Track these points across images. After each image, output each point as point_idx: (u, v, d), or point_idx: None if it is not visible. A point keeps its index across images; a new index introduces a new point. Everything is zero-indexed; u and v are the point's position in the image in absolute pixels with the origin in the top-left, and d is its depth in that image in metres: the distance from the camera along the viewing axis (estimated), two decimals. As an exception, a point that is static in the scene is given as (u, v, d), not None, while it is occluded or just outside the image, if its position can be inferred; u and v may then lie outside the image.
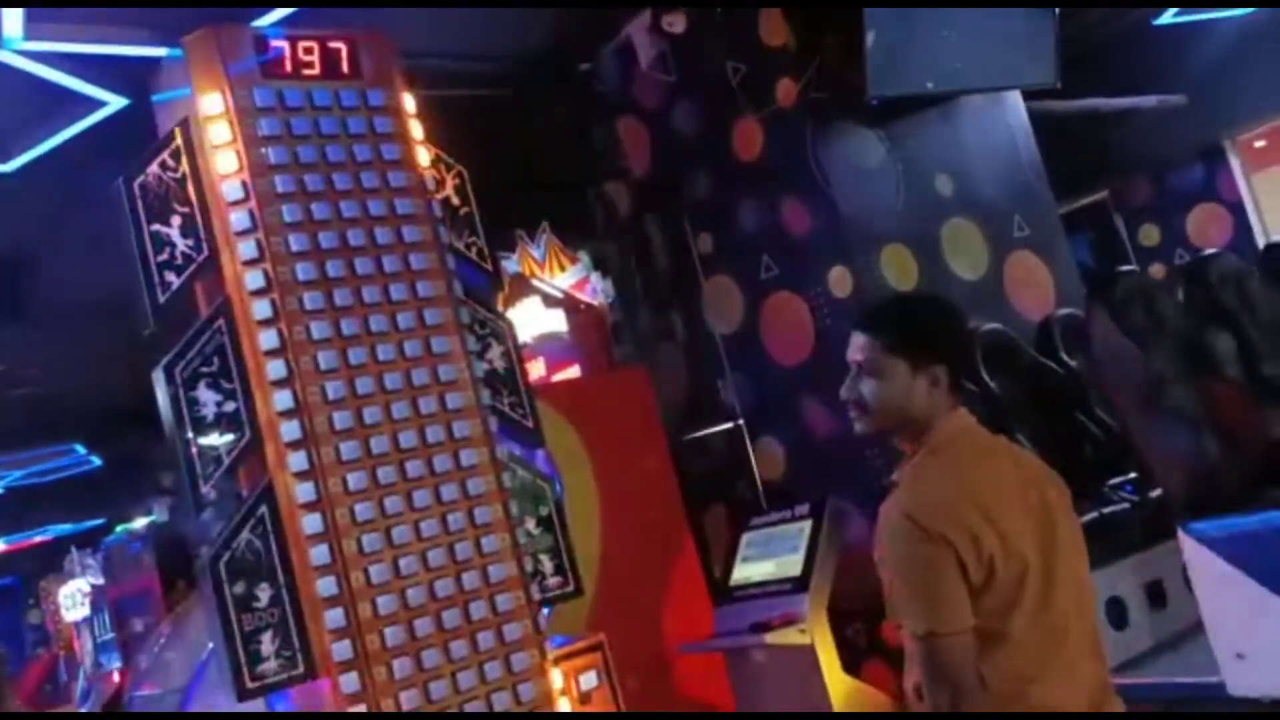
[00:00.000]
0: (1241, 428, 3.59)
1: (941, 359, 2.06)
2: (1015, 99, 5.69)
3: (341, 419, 3.37)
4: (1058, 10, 5.19)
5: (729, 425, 5.48)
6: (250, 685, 3.03)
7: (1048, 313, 5.22)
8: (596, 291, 5.70)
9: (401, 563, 3.34)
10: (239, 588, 3.12)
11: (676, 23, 5.22)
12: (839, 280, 4.86)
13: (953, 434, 2.08)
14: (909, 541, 1.95)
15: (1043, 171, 5.68)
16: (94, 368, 7.26)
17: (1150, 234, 7.82)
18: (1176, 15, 6.60)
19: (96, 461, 10.21)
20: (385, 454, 3.42)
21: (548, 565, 3.78)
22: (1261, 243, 6.87)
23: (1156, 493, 3.68)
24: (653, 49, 5.46)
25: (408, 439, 3.47)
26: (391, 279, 3.61)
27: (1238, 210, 7.45)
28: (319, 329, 3.41)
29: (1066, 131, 6.12)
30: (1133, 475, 4.30)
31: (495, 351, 3.88)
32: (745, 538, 4.93)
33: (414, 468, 3.45)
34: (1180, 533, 3.50)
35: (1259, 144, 7.50)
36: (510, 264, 5.62)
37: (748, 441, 5.41)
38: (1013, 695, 1.93)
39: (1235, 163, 7.50)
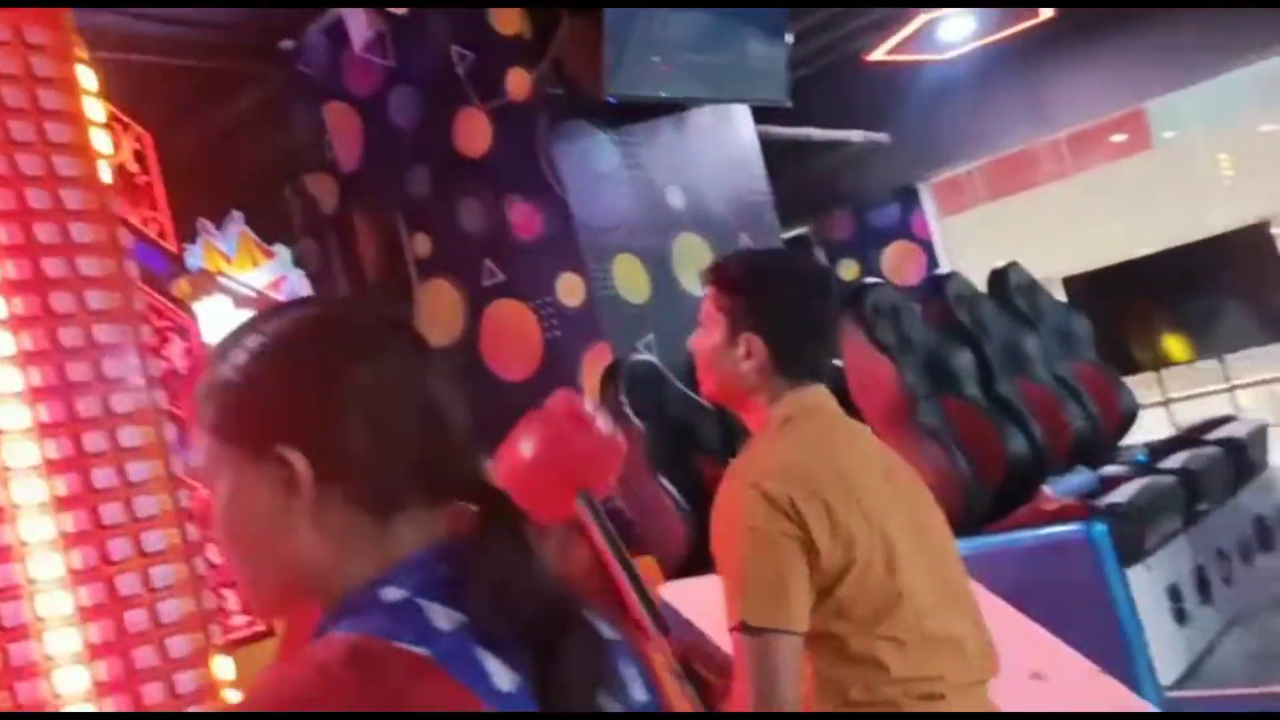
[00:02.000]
0: (982, 446, 3.54)
1: (758, 330, 1.76)
2: (746, 118, 5.61)
3: (-31, 421, 2.65)
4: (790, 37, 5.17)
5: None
6: None
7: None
8: (295, 293, 5.07)
9: (40, 600, 2.66)
10: None
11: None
12: (569, 288, 4.53)
13: (810, 406, 1.78)
14: (753, 516, 1.61)
15: (769, 193, 5.62)
16: None
17: (850, 268, 8.05)
18: (889, 53, 6.81)
19: None
20: (31, 465, 2.73)
21: (233, 602, 3.20)
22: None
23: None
24: (369, 30, 4.96)
25: (60, 447, 2.79)
26: (46, 252, 2.92)
27: (929, 249, 7.79)
28: (-57, 305, 2.68)
29: (778, 160, 6.13)
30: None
31: (176, 348, 3.27)
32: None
33: (66, 482, 2.77)
34: (928, 554, 3.39)
35: (948, 189, 7.93)
36: (193, 257, 4.89)
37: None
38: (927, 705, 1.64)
39: (928, 203, 7.86)
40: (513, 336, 4.71)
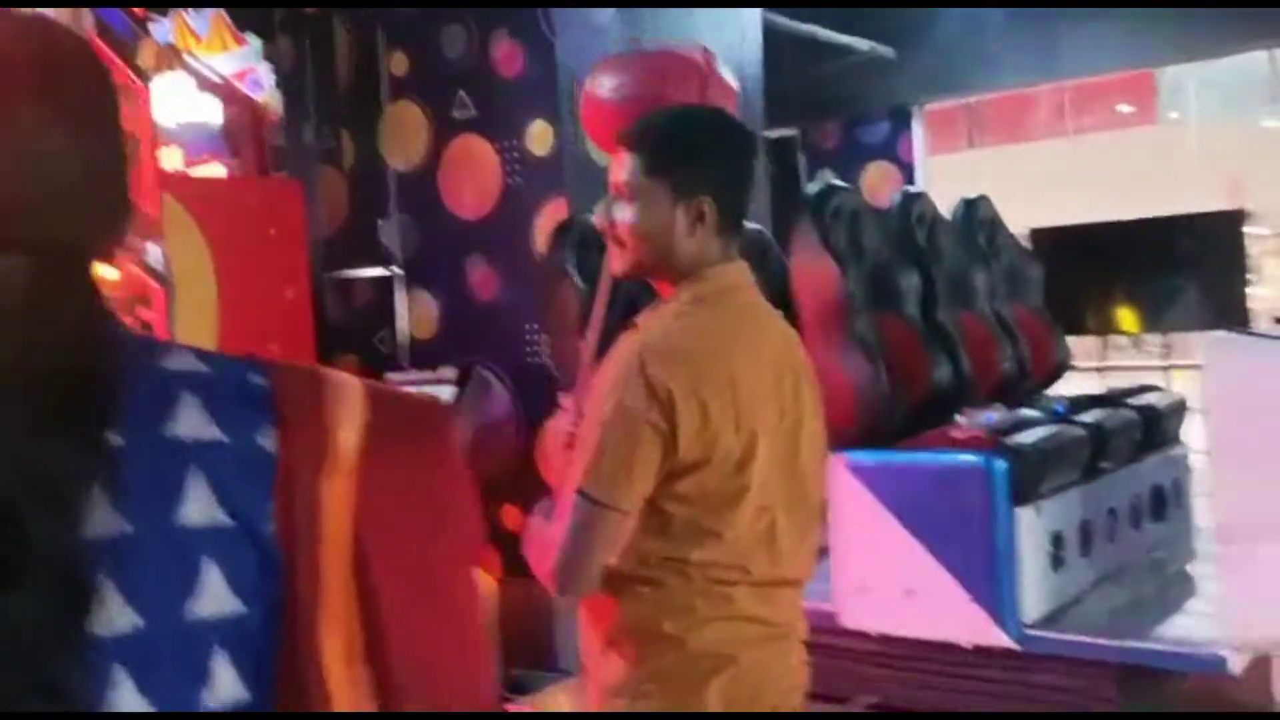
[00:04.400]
0: (910, 366, 3.57)
1: (708, 189, 1.71)
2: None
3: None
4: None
5: (383, 272, 4.95)
6: None
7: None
8: (260, 86, 4.93)
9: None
10: None
11: None
12: (539, 136, 4.45)
13: (726, 286, 1.75)
14: (626, 386, 1.61)
15: (760, 84, 5.51)
16: None
17: (826, 179, 7.97)
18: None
19: None
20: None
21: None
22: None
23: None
24: None
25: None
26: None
27: (909, 175, 7.73)
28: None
29: (778, 54, 6.00)
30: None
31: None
32: (379, 393, 4.47)
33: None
34: (833, 458, 3.43)
35: (941, 124, 7.82)
36: (162, 31, 4.73)
37: (400, 292, 4.92)
38: (718, 598, 1.65)
39: (918, 129, 7.77)
40: (473, 174, 4.63)
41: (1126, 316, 7.14)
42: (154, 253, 3.37)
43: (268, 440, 0.80)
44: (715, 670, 1.64)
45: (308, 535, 0.79)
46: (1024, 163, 16.28)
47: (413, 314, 4.89)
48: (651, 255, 1.73)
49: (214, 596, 0.76)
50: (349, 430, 0.82)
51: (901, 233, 3.87)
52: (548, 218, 4.39)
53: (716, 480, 1.63)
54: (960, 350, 3.76)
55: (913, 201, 3.98)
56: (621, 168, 1.74)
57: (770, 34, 5.73)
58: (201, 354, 0.84)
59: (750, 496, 1.65)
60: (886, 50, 7.13)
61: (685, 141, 1.74)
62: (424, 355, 4.77)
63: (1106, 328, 6.88)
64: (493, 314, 4.59)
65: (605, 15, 4.65)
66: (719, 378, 1.64)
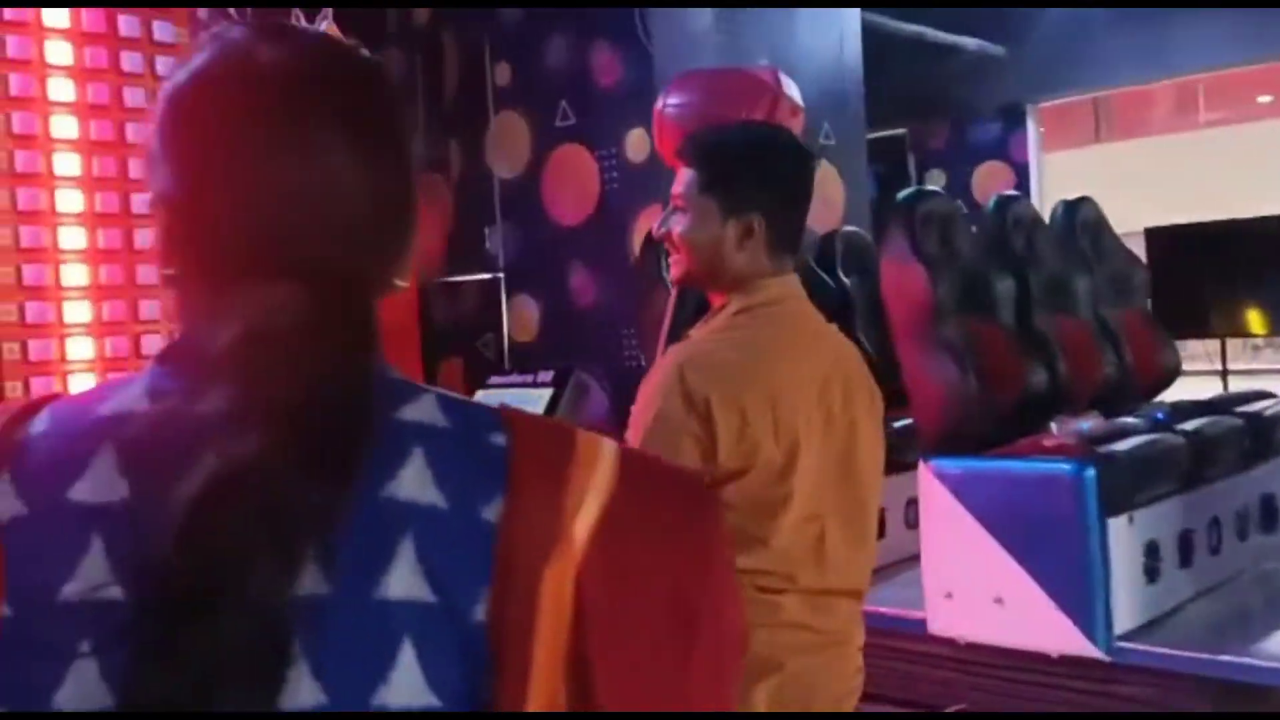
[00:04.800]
0: (1002, 372, 3.53)
1: (758, 207, 1.75)
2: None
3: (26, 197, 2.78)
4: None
5: (487, 276, 5.09)
6: None
7: (834, 227, 5.08)
8: (372, 99, 5.11)
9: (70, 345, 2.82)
10: None
11: None
12: (636, 144, 4.53)
13: (773, 298, 1.78)
14: (666, 393, 1.65)
15: (861, 85, 5.50)
16: None
17: (937, 180, 7.87)
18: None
19: None
20: (76, 249, 2.86)
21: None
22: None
23: (903, 423, 3.59)
24: None
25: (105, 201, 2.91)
26: (123, 45, 3.00)
27: (1023, 174, 7.58)
28: (16, 84, 2.79)
29: (883, 54, 5.96)
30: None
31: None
32: (479, 395, 4.60)
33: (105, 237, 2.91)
34: (921, 465, 3.42)
35: (1058, 120, 7.64)
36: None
37: (504, 297, 5.05)
38: (766, 605, 1.69)
39: (1032, 129, 7.61)
40: (573, 181, 4.74)
41: (1254, 318, 6.85)
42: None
43: (492, 511, 0.69)
44: (761, 675, 1.67)
45: (521, 631, 0.67)
46: (1153, 157, 15.72)
47: (513, 318, 5.02)
48: (702, 267, 1.78)
49: (406, 686, 0.65)
50: (591, 505, 0.70)
51: (996, 237, 3.82)
52: (644, 224, 4.46)
53: (758, 487, 1.66)
54: (1057, 356, 3.70)
55: (1008, 205, 3.92)
56: (679, 181, 1.80)
57: (876, 35, 5.70)
58: (447, 402, 0.75)
59: (794, 504, 1.68)
60: (996, 49, 7.01)
61: (735, 160, 1.78)
62: (524, 359, 4.89)
63: (1235, 329, 6.61)
64: (591, 318, 4.69)
65: (703, 22, 4.70)
66: (758, 388, 1.67)
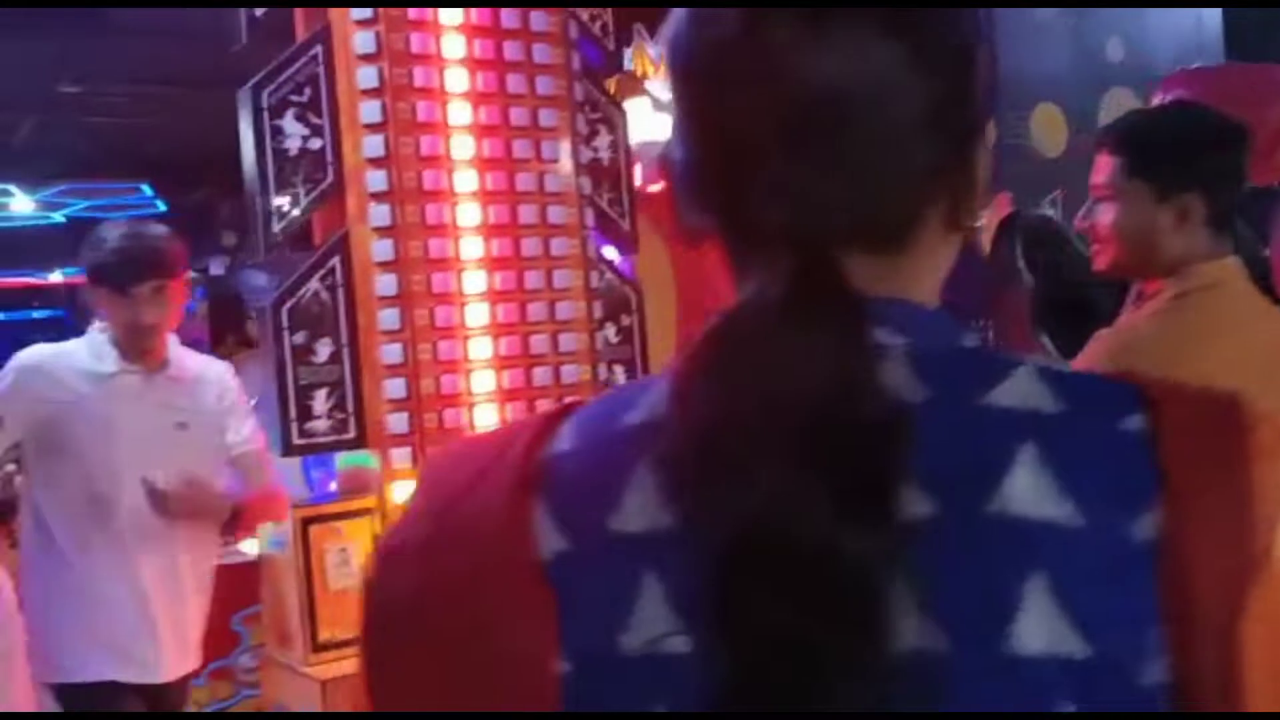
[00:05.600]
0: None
1: (1194, 186, 1.69)
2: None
3: (430, 178, 3.06)
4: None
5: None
6: (298, 441, 2.83)
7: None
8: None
9: (472, 344, 3.09)
10: (299, 338, 2.88)
11: None
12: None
13: (1210, 283, 1.72)
14: None
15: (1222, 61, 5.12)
16: (174, 103, 6.97)
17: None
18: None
19: (161, 207, 10.01)
20: (472, 225, 3.13)
21: (621, 378, 3.52)
22: None
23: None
24: None
25: (498, 213, 3.16)
26: (505, 36, 3.24)
27: None
28: (420, 75, 3.07)
29: (1250, 34, 5.51)
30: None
31: (603, 140, 3.54)
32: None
33: (499, 245, 3.15)
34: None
35: None
36: (624, 60, 5.19)
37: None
38: None
39: None
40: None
41: None
42: (628, 262, 3.73)
43: (1146, 526, 0.52)
44: None
45: (1221, 696, 0.50)
46: None
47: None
48: (1133, 255, 1.75)
49: None
50: None
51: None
52: (992, 213, 4.36)
53: None
54: None
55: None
56: (1101, 169, 1.77)
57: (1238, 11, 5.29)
58: (1052, 376, 0.57)
59: None
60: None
61: (1169, 141, 1.73)
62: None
63: None
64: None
65: (1048, 12, 4.55)
66: (1189, 376, 1.61)
